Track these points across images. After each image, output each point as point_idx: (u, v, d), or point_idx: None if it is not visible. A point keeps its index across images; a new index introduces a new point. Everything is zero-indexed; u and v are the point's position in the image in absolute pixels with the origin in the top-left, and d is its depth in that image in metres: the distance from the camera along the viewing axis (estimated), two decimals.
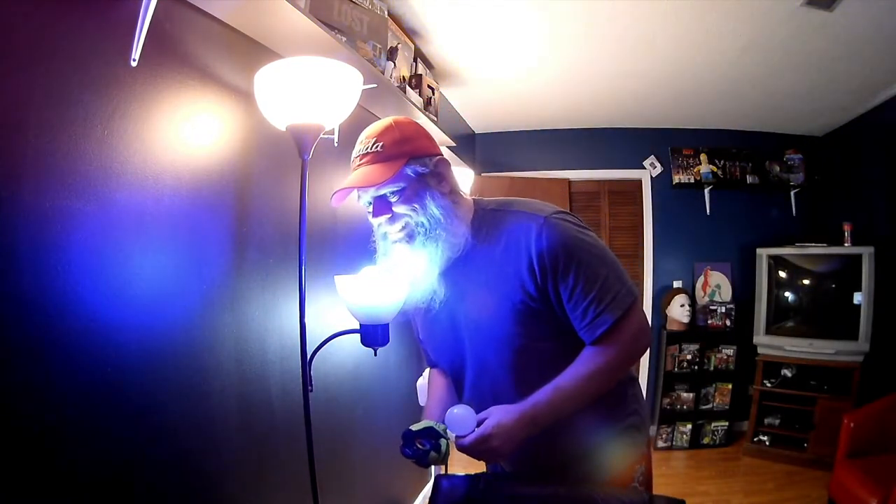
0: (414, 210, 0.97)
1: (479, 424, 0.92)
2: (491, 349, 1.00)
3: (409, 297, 1.04)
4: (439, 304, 1.03)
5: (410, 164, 0.96)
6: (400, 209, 0.97)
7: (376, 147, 0.96)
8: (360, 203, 1.02)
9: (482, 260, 0.99)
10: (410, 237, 0.98)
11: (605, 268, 0.96)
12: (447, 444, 0.97)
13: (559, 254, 0.93)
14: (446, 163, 1.02)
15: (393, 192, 0.97)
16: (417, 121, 2.22)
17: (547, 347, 0.98)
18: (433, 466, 2.78)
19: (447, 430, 0.95)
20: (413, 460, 0.96)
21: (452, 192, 1.01)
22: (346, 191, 0.98)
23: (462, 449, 0.92)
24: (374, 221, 1.01)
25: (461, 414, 0.93)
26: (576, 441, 1.01)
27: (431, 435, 0.96)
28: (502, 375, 1.01)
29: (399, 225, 0.98)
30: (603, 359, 0.94)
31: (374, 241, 1.07)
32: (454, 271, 1.01)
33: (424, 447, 0.95)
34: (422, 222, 0.97)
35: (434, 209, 0.97)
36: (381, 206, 0.98)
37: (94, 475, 0.90)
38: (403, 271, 1.01)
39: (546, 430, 0.93)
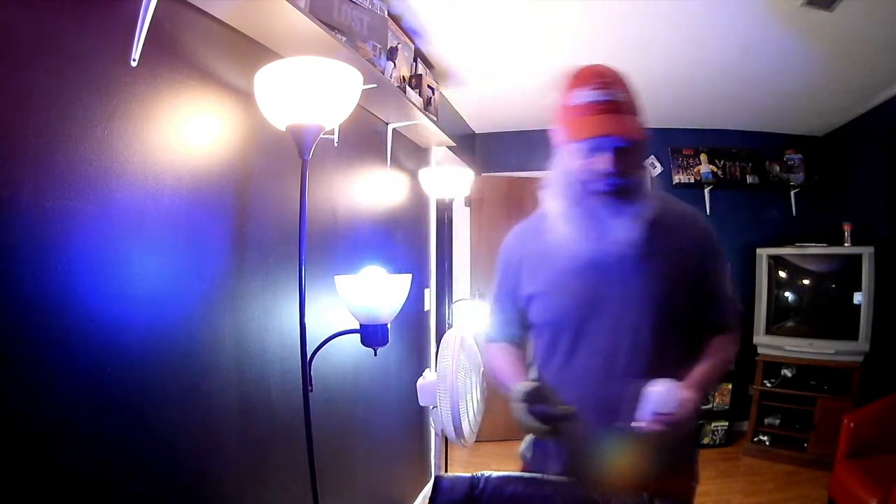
0: (639, 170, 1.01)
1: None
2: (647, 311, 1.00)
3: (577, 244, 1.02)
4: (595, 259, 1.01)
5: (643, 123, 0.99)
6: (632, 167, 0.98)
7: (621, 96, 0.96)
8: (576, 143, 0.98)
9: (660, 228, 1.01)
10: (619, 193, 0.99)
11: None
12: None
13: (717, 248, 1.09)
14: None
15: (631, 148, 0.96)
16: (417, 121, 2.23)
17: (681, 323, 1.04)
18: (434, 466, 2.79)
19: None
20: (538, 422, 0.91)
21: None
22: (600, 134, 0.95)
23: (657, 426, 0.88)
24: (593, 166, 0.97)
25: (665, 390, 0.89)
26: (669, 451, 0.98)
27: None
28: (645, 338, 1.00)
29: (618, 184, 0.98)
30: (734, 346, 1.09)
31: (552, 184, 1.05)
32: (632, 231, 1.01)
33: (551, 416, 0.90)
34: (637, 182, 1.00)
35: (646, 173, 1.02)
36: (620, 160, 0.96)
37: (94, 475, 0.90)
38: (595, 218, 1.01)
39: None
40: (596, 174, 0.97)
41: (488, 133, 3.97)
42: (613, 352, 1.01)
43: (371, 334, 1.07)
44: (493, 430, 2.82)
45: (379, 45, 1.82)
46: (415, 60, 2.29)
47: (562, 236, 1.04)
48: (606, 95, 0.94)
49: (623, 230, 0.99)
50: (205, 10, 1.17)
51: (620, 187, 0.98)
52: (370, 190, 2.06)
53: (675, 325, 1.02)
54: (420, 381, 2.21)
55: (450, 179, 2.34)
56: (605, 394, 0.99)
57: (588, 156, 0.97)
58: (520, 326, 1.16)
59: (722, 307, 1.09)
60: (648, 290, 1.01)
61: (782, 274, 3.48)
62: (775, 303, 3.45)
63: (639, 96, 0.99)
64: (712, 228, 1.10)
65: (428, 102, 2.33)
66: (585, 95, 0.96)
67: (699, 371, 0.99)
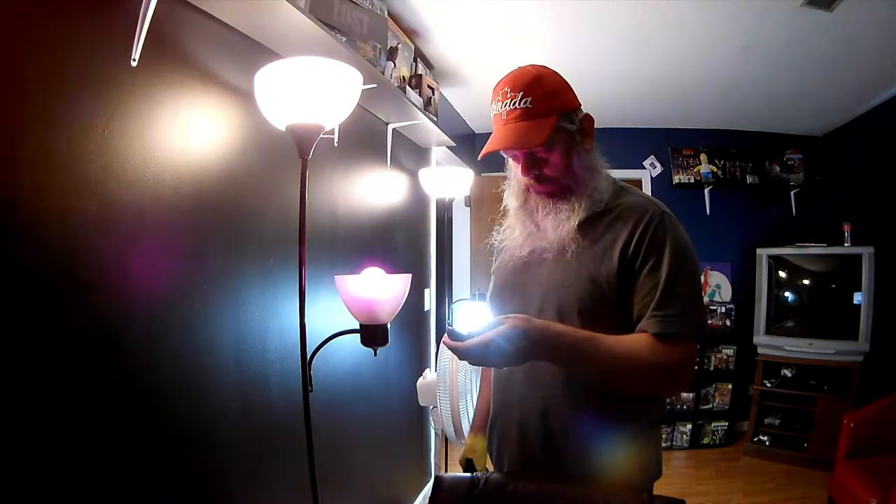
0: (563, 173, 0.97)
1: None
2: (563, 307, 0.95)
3: (514, 246, 1.04)
4: (541, 257, 1.00)
5: (560, 121, 0.95)
6: (550, 171, 0.97)
7: (525, 103, 0.93)
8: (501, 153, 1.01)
9: (599, 223, 0.98)
10: (551, 195, 0.99)
11: (698, 286, 0.95)
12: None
13: (660, 242, 0.91)
14: (590, 118, 1.01)
15: (543, 151, 0.96)
16: (417, 121, 2.23)
17: (602, 320, 0.92)
18: (434, 466, 2.78)
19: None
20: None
21: (594, 149, 1.02)
22: (497, 149, 0.97)
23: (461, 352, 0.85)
24: (520, 171, 1.01)
25: (509, 325, 0.83)
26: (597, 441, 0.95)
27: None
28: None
29: (545, 185, 0.99)
30: (651, 355, 0.86)
31: (505, 186, 1.08)
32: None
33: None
34: (567, 185, 0.98)
35: (580, 169, 0.98)
36: (532, 165, 0.97)
37: (92, 475, 0.90)
38: (534, 218, 1.02)
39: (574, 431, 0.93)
40: (526, 178, 1.00)
41: (488, 133, 3.93)
42: None
43: (371, 334, 1.06)
44: None
45: (379, 45, 1.82)
46: (415, 60, 2.29)
47: (511, 235, 1.07)
48: (510, 105, 0.95)
49: (553, 227, 0.99)
50: (205, 10, 1.17)
51: (549, 188, 0.99)
52: (370, 190, 2.06)
53: (594, 321, 0.91)
54: (420, 381, 2.21)
55: (450, 179, 2.34)
56: (528, 389, 0.99)
57: (515, 162, 1.01)
58: None
59: (663, 308, 0.88)
60: (563, 285, 0.96)
61: (782, 274, 3.48)
62: (775, 303, 3.45)
63: (558, 94, 0.96)
64: (671, 224, 0.94)
65: (428, 102, 2.33)
66: (493, 107, 0.98)
67: (572, 330, 0.86)
